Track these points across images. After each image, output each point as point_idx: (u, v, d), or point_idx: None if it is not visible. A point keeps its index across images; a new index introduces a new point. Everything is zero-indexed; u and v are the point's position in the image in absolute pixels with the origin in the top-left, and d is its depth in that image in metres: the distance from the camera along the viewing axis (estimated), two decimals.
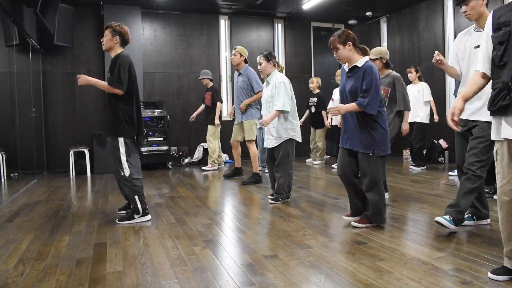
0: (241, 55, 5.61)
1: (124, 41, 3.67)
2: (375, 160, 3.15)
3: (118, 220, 3.61)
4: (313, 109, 7.52)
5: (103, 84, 3.57)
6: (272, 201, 4.29)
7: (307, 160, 8.04)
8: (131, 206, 3.65)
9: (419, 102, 6.44)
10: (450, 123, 2.31)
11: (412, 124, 6.10)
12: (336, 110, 3.13)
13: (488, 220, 3.23)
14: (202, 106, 7.32)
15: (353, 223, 3.29)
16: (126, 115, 3.58)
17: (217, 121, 7.01)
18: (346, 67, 3.28)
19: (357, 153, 3.23)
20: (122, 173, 3.55)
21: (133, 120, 3.61)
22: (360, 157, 3.20)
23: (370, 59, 4.01)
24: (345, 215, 3.46)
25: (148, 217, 3.68)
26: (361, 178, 3.24)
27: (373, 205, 3.21)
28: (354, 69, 3.19)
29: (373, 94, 3.06)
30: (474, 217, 3.20)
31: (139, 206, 3.59)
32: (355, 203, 3.39)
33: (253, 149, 5.61)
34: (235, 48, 5.66)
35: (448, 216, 2.92)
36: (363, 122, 3.15)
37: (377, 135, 3.14)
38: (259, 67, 4.46)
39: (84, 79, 3.52)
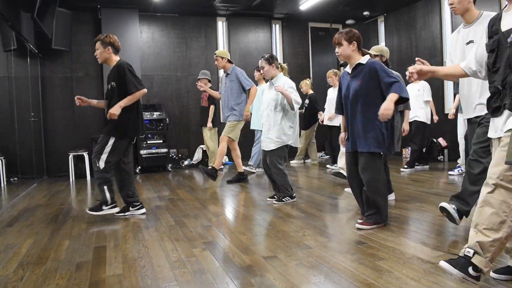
0: (222, 58, 5.59)
1: (116, 49, 3.80)
2: (380, 159, 3.15)
3: (88, 210, 3.77)
4: (303, 111, 7.46)
5: (127, 99, 3.64)
6: (276, 202, 4.23)
7: (306, 160, 8.06)
8: (99, 197, 3.77)
9: (419, 101, 6.29)
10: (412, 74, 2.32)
11: (411, 123, 6.05)
12: (387, 112, 2.91)
13: None
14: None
15: (357, 225, 3.19)
16: (133, 117, 3.75)
17: (209, 124, 6.93)
18: (348, 68, 3.24)
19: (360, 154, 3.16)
20: (97, 164, 3.65)
21: (138, 122, 3.79)
22: (363, 156, 3.13)
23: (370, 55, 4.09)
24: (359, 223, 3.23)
25: (117, 209, 3.79)
26: (363, 177, 3.17)
27: (374, 205, 3.17)
28: (358, 67, 3.15)
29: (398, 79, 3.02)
30: None
31: (108, 195, 3.71)
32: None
33: (223, 145, 5.49)
34: (215, 54, 5.67)
35: None
36: (372, 120, 3.06)
37: (386, 133, 3.11)
38: (262, 71, 4.38)
39: (113, 112, 3.59)
